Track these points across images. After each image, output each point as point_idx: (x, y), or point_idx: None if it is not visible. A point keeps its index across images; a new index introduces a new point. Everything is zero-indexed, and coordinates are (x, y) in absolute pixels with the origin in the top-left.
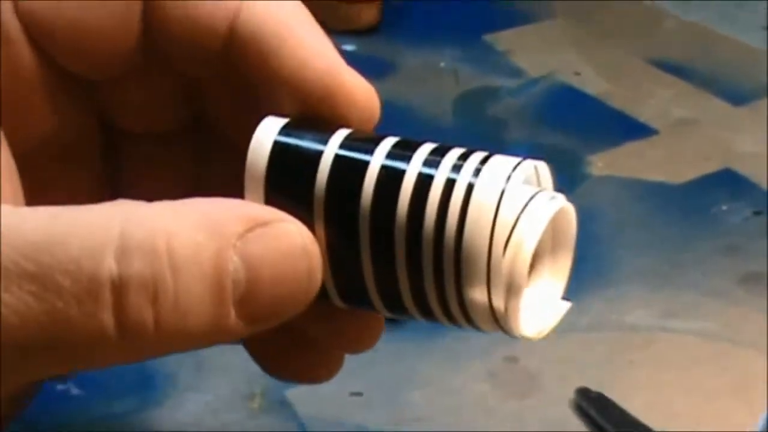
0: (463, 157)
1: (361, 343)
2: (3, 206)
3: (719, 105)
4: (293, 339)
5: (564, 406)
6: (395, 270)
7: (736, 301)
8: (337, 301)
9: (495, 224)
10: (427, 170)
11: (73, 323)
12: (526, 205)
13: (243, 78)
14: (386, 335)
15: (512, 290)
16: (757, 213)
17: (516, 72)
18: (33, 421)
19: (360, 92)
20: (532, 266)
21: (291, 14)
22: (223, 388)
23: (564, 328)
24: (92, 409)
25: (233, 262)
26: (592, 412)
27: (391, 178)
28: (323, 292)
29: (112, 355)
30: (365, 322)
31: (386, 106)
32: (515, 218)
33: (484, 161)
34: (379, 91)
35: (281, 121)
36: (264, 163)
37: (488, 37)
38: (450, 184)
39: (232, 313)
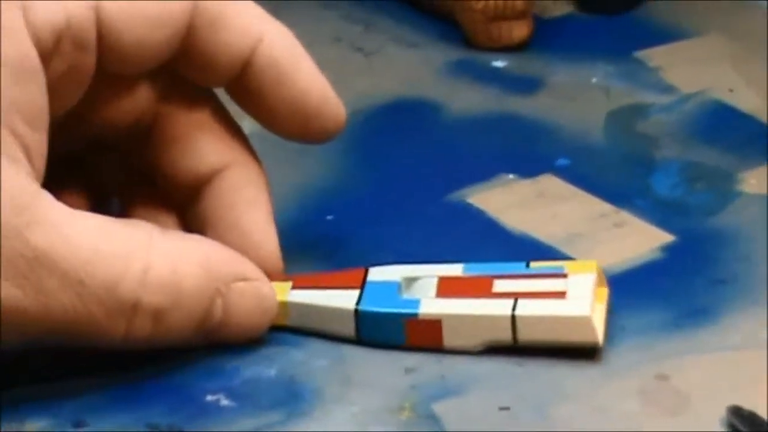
0: None
1: None
2: (59, 211)
3: None
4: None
5: (716, 425)
6: None
7: None
8: None
9: None
10: None
11: (97, 324)
12: None
13: (247, 93)
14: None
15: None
16: None
17: (667, 89)
18: (181, 430)
19: (340, 111)
20: None
21: (296, 45)
22: (370, 401)
23: (715, 346)
24: (240, 421)
25: (217, 305)
26: (745, 431)
27: None
28: None
29: (108, 345)
30: None
31: (536, 122)
32: None
33: None
34: (529, 108)
35: None
36: None
37: (640, 54)
38: None
39: (201, 336)
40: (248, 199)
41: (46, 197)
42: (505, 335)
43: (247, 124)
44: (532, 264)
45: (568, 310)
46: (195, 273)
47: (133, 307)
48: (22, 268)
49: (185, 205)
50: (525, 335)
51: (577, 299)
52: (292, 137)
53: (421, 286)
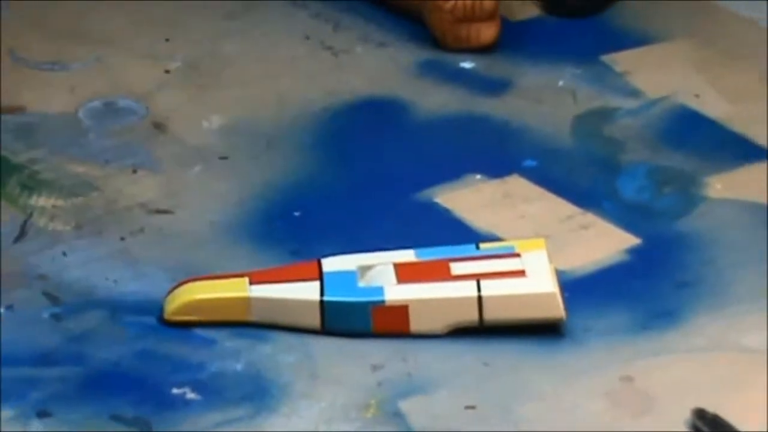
0: None
1: None
2: None
3: None
4: None
5: (680, 426)
6: None
7: None
8: None
9: None
10: None
11: None
12: None
13: None
14: (501, 347)
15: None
16: None
17: (634, 93)
18: (147, 423)
19: None
20: None
21: None
22: (337, 397)
23: (680, 348)
24: (206, 415)
25: None
26: None
27: None
28: None
29: None
30: None
31: (503, 124)
32: None
33: None
34: (497, 109)
35: None
36: None
37: (606, 58)
38: None
39: None
40: None
41: None
42: (471, 316)
43: (217, 119)
44: (482, 245)
45: (532, 287)
46: None
47: None
48: None
49: None
50: (491, 315)
51: (538, 276)
52: None
53: (379, 273)
